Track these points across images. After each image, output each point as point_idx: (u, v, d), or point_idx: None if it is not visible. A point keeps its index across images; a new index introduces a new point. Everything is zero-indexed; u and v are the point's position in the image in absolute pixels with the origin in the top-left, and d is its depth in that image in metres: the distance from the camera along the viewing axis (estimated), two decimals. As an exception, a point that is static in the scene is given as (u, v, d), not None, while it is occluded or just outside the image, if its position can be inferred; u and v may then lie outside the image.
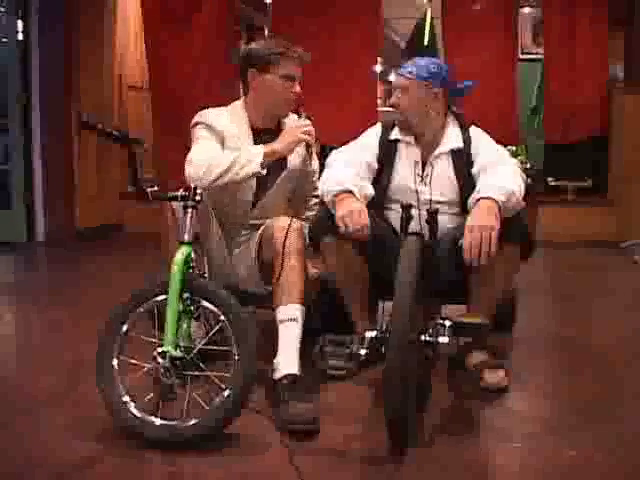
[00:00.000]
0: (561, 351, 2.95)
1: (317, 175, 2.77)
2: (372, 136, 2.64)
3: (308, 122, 2.50)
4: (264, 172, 2.45)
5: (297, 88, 2.56)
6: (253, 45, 2.62)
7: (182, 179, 2.42)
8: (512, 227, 2.31)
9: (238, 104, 2.65)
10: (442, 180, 2.52)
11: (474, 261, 2.17)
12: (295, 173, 2.65)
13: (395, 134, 2.60)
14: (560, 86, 5.46)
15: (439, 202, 2.49)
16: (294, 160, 2.61)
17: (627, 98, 5.42)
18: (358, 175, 2.47)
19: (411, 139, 2.57)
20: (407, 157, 2.57)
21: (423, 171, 2.54)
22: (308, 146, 2.50)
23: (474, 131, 2.57)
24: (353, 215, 2.26)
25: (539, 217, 5.42)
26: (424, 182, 2.53)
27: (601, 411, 2.26)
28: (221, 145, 2.54)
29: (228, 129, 2.55)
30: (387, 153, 2.58)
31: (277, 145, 2.46)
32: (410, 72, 2.50)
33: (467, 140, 2.54)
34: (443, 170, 2.53)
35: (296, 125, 2.51)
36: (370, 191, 2.46)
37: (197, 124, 2.57)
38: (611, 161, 5.63)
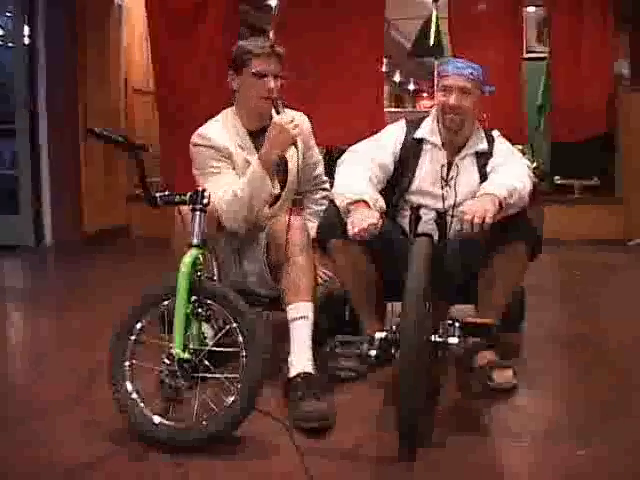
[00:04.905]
0: (569, 350, 2.94)
1: (321, 166, 2.78)
2: (393, 134, 2.56)
3: (290, 115, 2.44)
4: (277, 190, 2.48)
5: (271, 84, 2.49)
6: (235, 47, 2.56)
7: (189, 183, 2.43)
8: (519, 226, 2.30)
9: (230, 111, 2.61)
10: (466, 182, 2.48)
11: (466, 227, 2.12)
12: (295, 175, 2.58)
13: (421, 133, 2.53)
14: (566, 85, 5.44)
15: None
16: (292, 162, 2.57)
17: (634, 95, 5.41)
18: (372, 181, 2.41)
19: (438, 140, 2.51)
20: (432, 160, 2.51)
21: (448, 174, 2.49)
22: (293, 143, 2.43)
23: (496, 134, 2.56)
24: (364, 221, 2.18)
25: (545, 216, 5.41)
26: (449, 185, 2.49)
27: (612, 410, 2.25)
28: (229, 161, 2.51)
29: (230, 142, 2.52)
30: (410, 153, 2.52)
31: (268, 150, 2.41)
32: (472, 73, 2.42)
33: (491, 142, 2.52)
34: (468, 171, 2.49)
35: (278, 121, 2.41)
36: (383, 204, 2.37)
37: (197, 145, 2.52)
38: (618, 159, 5.61)
